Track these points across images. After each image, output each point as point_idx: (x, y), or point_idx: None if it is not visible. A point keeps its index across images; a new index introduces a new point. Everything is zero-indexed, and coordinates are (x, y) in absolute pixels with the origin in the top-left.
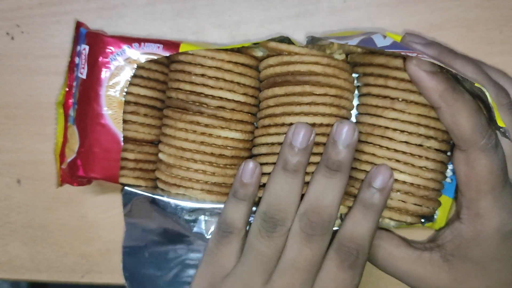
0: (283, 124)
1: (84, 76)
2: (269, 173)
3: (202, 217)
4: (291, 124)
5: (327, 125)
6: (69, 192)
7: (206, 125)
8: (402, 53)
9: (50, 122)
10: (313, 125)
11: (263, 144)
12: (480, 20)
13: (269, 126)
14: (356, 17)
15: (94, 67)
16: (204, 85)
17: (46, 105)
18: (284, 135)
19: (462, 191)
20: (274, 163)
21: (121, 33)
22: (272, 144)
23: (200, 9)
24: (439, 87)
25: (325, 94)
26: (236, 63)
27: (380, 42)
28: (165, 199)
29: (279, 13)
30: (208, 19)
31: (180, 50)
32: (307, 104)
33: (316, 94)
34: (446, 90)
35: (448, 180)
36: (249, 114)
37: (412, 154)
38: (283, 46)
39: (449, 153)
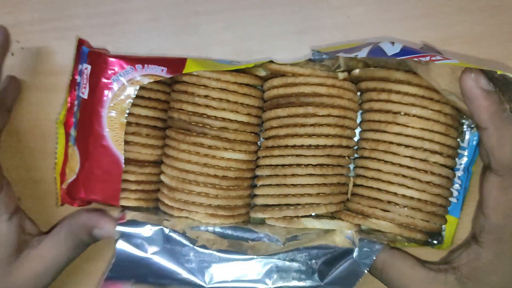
0: (286, 146)
1: (85, 96)
2: (271, 195)
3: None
4: (294, 146)
5: (331, 146)
6: (71, 210)
7: (210, 147)
8: (415, 59)
9: (51, 139)
10: (317, 146)
11: (267, 166)
12: (484, 37)
13: (273, 147)
14: (359, 33)
15: (96, 87)
16: (207, 106)
17: (47, 122)
18: (289, 157)
19: (487, 214)
20: (277, 185)
21: (123, 49)
22: (276, 166)
23: (203, 25)
24: (491, 108)
25: (328, 115)
26: (241, 84)
27: (389, 50)
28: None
29: (282, 29)
30: (211, 35)
31: (185, 69)
32: (311, 125)
33: (319, 115)
34: (497, 113)
35: (454, 200)
36: (253, 134)
37: (417, 169)
38: (288, 68)
39: (455, 169)
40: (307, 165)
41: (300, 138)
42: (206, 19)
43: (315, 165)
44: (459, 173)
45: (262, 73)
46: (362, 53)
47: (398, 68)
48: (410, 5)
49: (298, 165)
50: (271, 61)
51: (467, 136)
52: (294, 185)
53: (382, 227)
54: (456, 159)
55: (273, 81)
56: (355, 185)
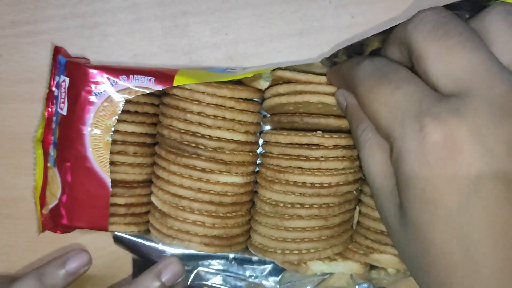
0: (287, 182)
1: (64, 113)
2: (270, 236)
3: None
4: (295, 182)
5: (336, 184)
6: (55, 235)
7: (203, 169)
8: None
9: (29, 154)
10: (321, 185)
11: (267, 200)
12: None
13: (273, 182)
14: (364, 35)
15: (76, 102)
16: (200, 123)
17: (24, 135)
18: (291, 194)
19: None
20: (276, 226)
21: (104, 54)
22: (277, 203)
23: (193, 26)
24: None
25: (335, 146)
26: (238, 99)
27: None
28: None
29: (280, 31)
30: (201, 38)
31: (175, 82)
32: (316, 159)
33: (325, 148)
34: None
35: None
36: (251, 154)
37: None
38: (302, 76)
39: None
40: (311, 205)
41: (302, 176)
42: (195, 20)
43: (320, 206)
44: None
45: (263, 84)
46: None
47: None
48: (420, 3)
49: (302, 205)
50: (279, 68)
51: None
52: (294, 228)
53: (384, 263)
54: None
55: (278, 88)
56: (361, 213)
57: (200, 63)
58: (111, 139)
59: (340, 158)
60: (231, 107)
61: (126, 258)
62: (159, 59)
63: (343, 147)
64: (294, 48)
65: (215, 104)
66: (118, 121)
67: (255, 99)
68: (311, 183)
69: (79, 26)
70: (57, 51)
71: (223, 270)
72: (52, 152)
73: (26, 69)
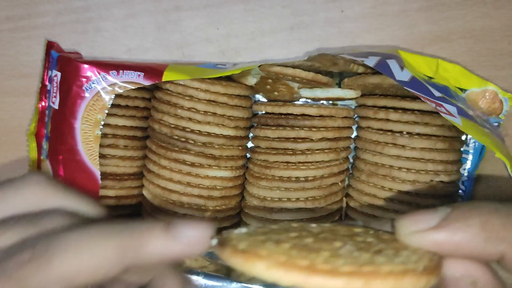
0: (273, 178)
1: (56, 106)
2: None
3: None
4: (281, 177)
5: (321, 177)
6: None
7: (193, 164)
8: (422, 99)
9: (24, 148)
10: (306, 179)
11: (254, 195)
12: (486, 31)
13: (260, 178)
14: (354, 29)
15: (67, 97)
16: (190, 119)
17: (19, 129)
18: (276, 189)
19: None
20: (263, 218)
21: (98, 49)
22: (264, 198)
23: (185, 21)
24: (471, 232)
25: (322, 139)
26: (231, 95)
27: (398, 74)
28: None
29: (272, 25)
30: (194, 32)
31: (164, 78)
32: (303, 152)
33: (312, 140)
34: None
35: None
36: (240, 148)
37: (418, 195)
38: (289, 71)
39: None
40: (297, 199)
41: (288, 170)
42: (188, 15)
43: (306, 199)
44: (462, 179)
45: (251, 81)
46: (369, 61)
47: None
48: None
49: (288, 199)
50: (273, 64)
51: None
52: (282, 221)
53: None
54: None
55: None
56: (348, 206)
57: (193, 58)
58: (100, 133)
59: (326, 150)
60: (223, 103)
61: None
62: (152, 54)
63: (329, 139)
64: (285, 42)
65: (208, 100)
66: (109, 115)
67: (248, 95)
68: (296, 177)
69: (73, 21)
70: (50, 46)
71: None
72: (45, 145)
73: (21, 64)
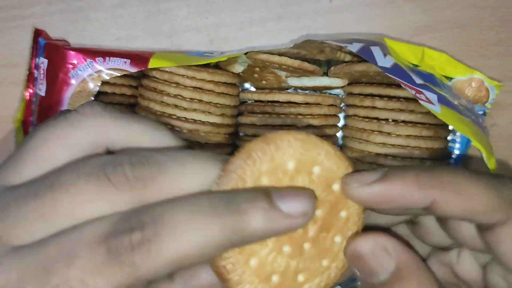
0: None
1: (43, 94)
2: None
3: None
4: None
5: None
6: None
7: None
8: (402, 85)
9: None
10: None
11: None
12: (475, 21)
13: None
14: (343, 19)
15: (54, 84)
16: (176, 106)
17: (10, 118)
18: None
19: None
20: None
21: (88, 38)
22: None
23: (174, 10)
24: (408, 183)
25: (308, 126)
26: (217, 82)
27: (380, 60)
28: None
29: (261, 14)
30: (183, 21)
31: (150, 65)
32: None
33: (298, 127)
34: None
35: None
36: (227, 136)
37: None
38: (275, 59)
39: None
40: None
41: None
42: (177, 4)
43: None
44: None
45: (238, 68)
46: (353, 48)
47: None
48: None
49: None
50: (259, 51)
51: None
52: None
53: None
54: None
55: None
56: None
57: (181, 47)
58: None
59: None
60: (209, 90)
61: None
62: (140, 43)
63: (315, 127)
64: (274, 32)
65: (194, 87)
66: None
67: (235, 83)
68: None
69: (63, 10)
70: (37, 33)
71: None
72: None
73: (12, 53)
